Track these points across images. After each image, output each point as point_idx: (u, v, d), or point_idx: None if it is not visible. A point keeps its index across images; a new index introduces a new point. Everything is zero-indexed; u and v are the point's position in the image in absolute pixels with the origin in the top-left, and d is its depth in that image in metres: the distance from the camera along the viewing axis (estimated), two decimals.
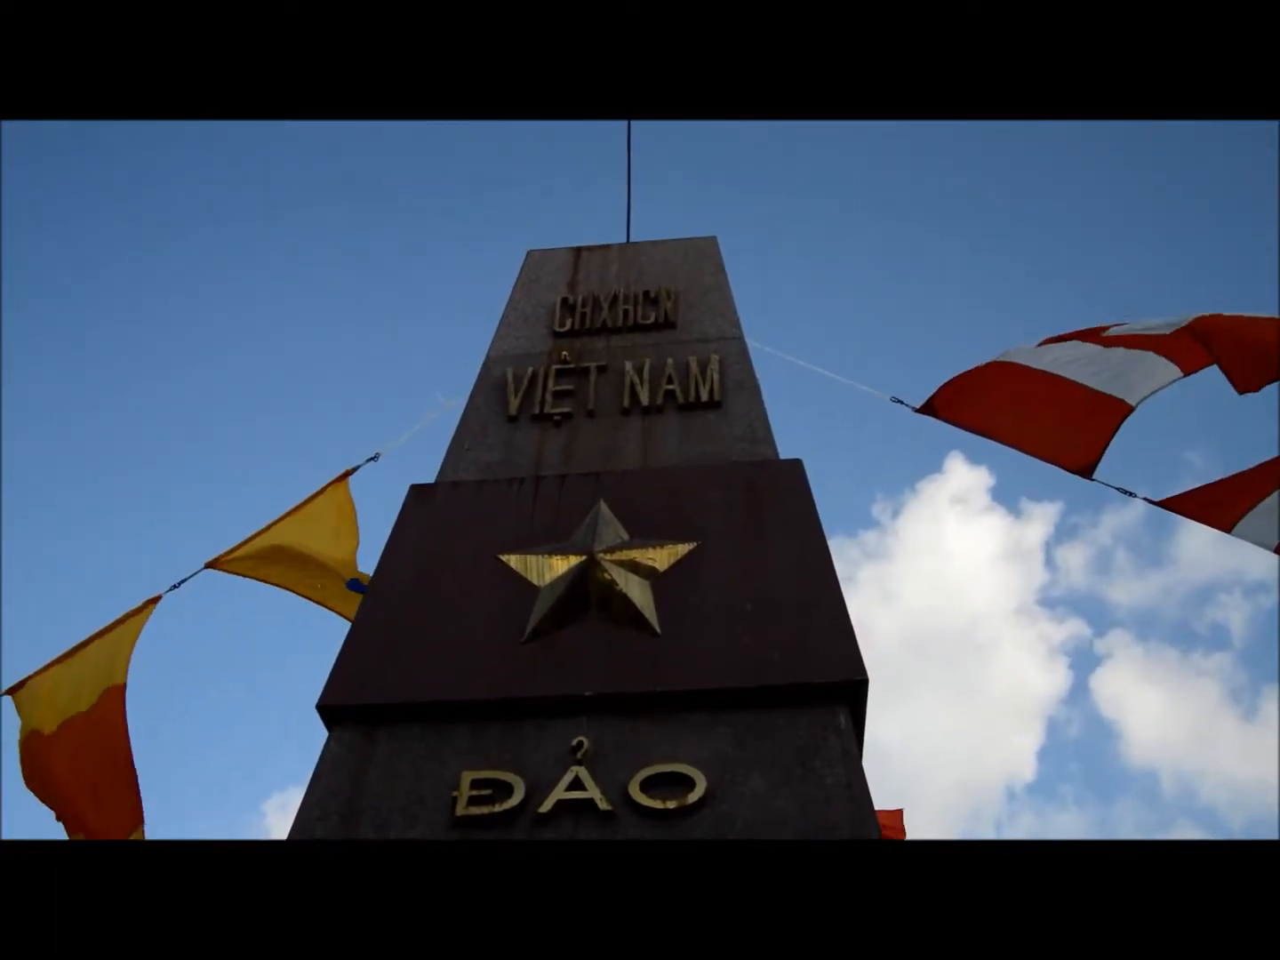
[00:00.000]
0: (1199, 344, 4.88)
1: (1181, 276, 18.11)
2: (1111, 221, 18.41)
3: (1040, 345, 5.53)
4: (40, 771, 4.97)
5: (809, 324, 18.10)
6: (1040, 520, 21.55)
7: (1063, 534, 21.39)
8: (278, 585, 5.80)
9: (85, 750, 5.05)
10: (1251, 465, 4.69)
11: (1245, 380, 4.67)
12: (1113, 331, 5.33)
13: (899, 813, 6.91)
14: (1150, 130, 17.35)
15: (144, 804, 5.06)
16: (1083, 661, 21.21)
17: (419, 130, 19.11)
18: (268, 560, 5.77)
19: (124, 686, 5.29)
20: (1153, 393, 4.98)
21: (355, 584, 5.63)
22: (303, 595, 5.81)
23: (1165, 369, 5.04)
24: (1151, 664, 21.24)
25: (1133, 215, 18.70)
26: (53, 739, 5.02)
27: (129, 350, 19.20)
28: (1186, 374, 4.94)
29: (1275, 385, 4.67)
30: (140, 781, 5.11)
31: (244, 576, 5.75)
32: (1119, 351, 5.22)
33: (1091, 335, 5.39)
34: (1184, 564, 21.13)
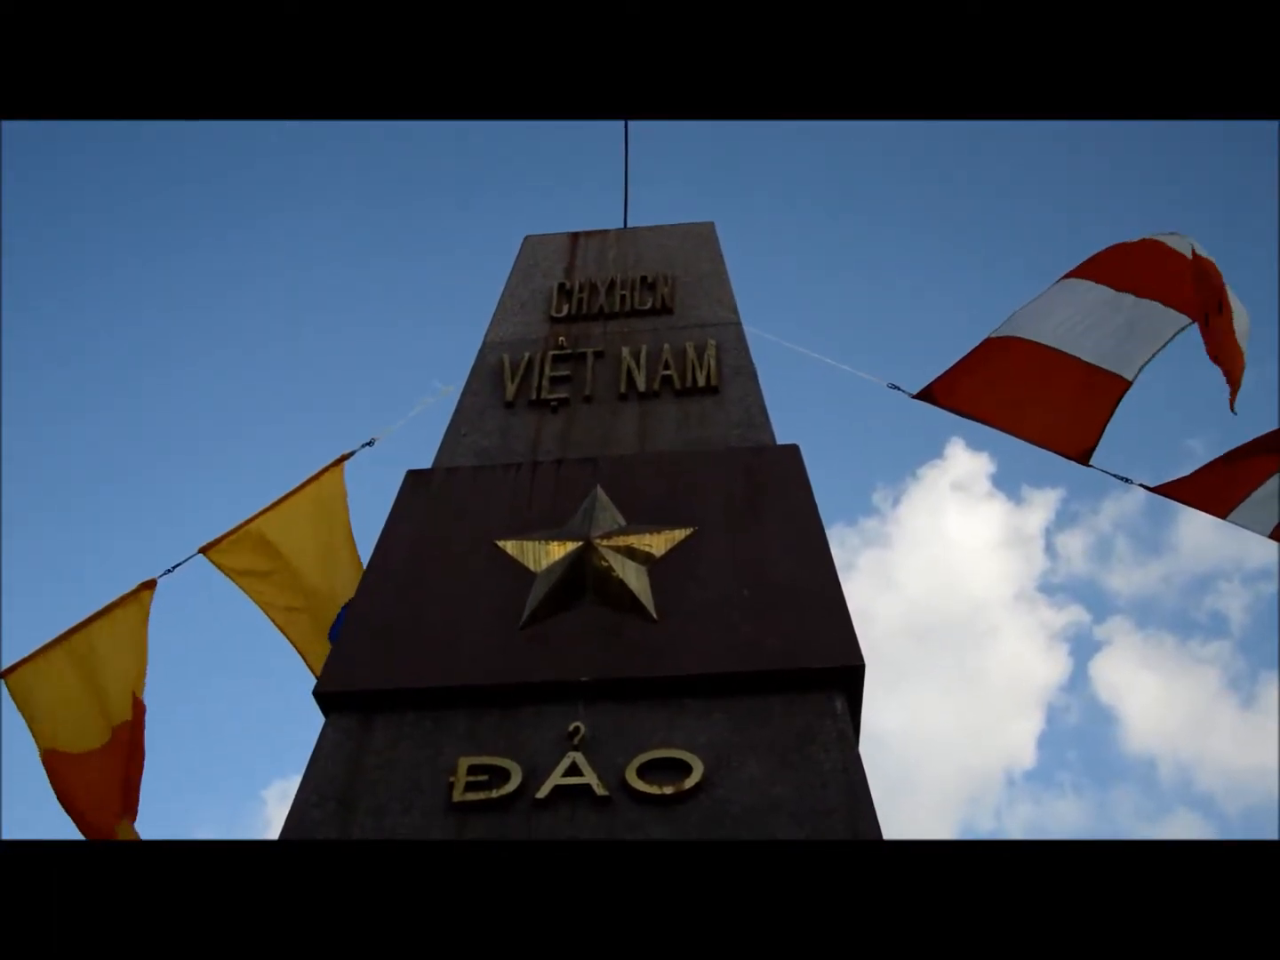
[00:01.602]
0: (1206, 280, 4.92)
1: None
2: (1110, 214, 18.34)
3: (1061, 280, 5.50)
4: (64, 784, 4.94)
5: (807, 310, 18.03)
6: (1041, 507, 21.53)
7: (1063, 521, 21.36)
8: (257, 603, 5.72)
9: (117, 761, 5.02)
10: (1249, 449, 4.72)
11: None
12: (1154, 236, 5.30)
13: None
14: (1150, 130, 17.29)
15: (145, 792, 5.06)
16: (1082, 648, 21.22)
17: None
18: (256, 559, 5.70)
19: (141, 697, 5.27)
20: (1154, 355, 5.01)
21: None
22: (274, 621, 5.70)
23: (1170, 321, 5.05)
24: (1150, 651, 21.26)
25: (1132, 210, 18.65)
26: (86, 758, 4.98)
27: (126, 338, 19.15)
28: (1194, 320, 4.98)
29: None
30: (142, 770, 5.11)
31: (230, 579, 5.69)
32: (1128, 300, 5.21)
33: (1110, 266, 5.36)
34: (1184, 551, 21.12)
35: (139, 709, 5.15)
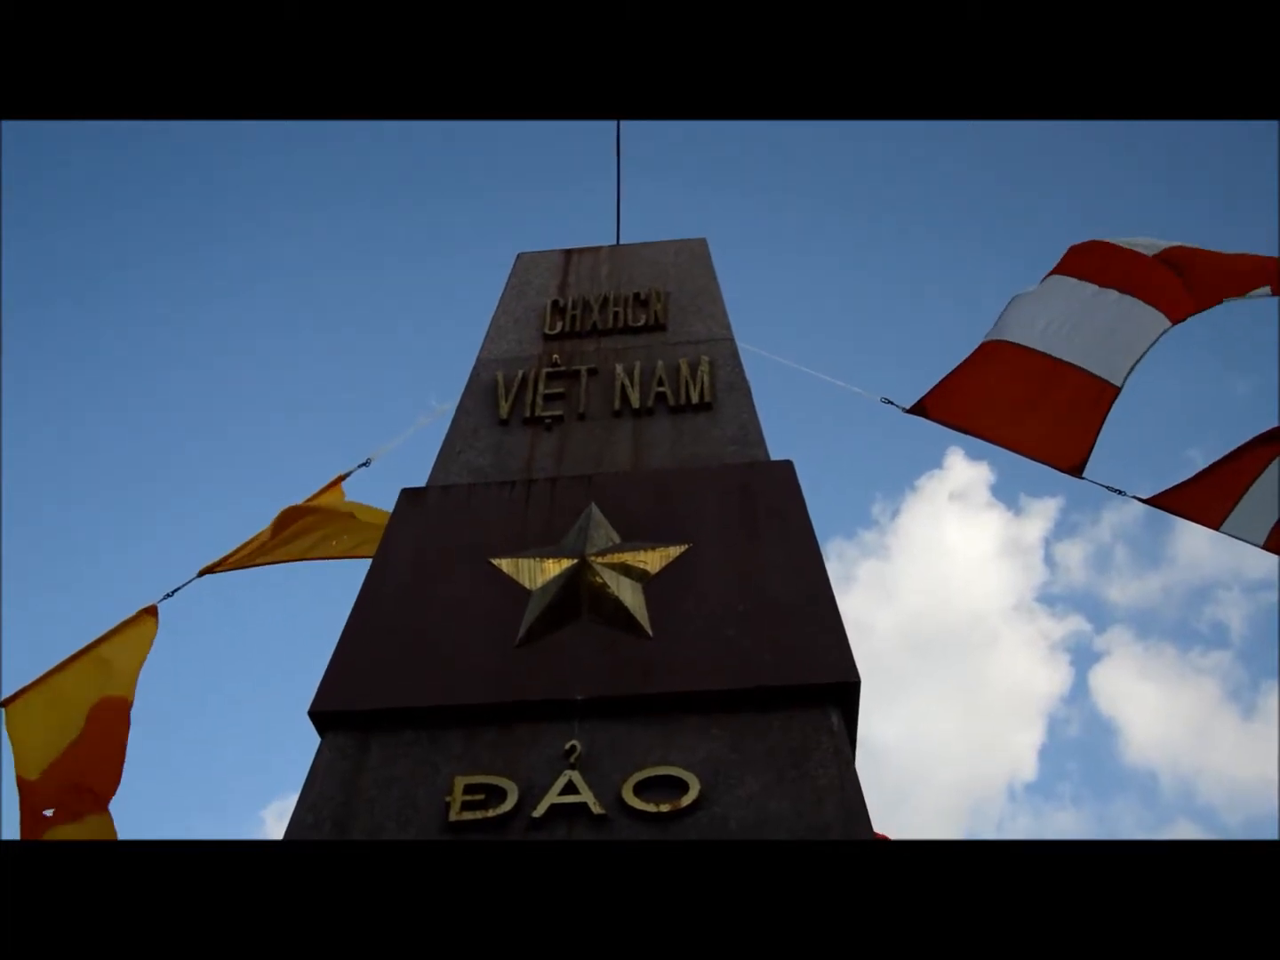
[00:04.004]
0: (1181, 283, 4.99)
1: None
2: (1108, 221, 18.46)
3: (1048, 278, 5.56)
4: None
5: (800, 326, 18.09)
6: (1040, 517, 21.52)
7: (1062, 531, 21.38)
8: (288, 560, 5.79)
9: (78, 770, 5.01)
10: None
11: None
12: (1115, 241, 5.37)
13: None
14: (1150, 130, 17.35)
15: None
16: (1082, 659, 21.21)
17: (407, 132, 19.03)
18: (271, 550, 5.77)
19: (129, 701, 5.26)
20: (1140, 358, 5.05)
21: None
22: (319, 558, 5.81)
23: (1153, 321, 5.10)
24: (1151, 662, 21.24)
25: (1131, 215, 18.74)
26: (36, 784, 4.97)
27: (121, 355, 19.16)
28: (1175, 323, 5.03)
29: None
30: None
31: (246, 567, 5.74)
32: (1110, 297, 5.25)
33: (1091, 261, 5.43)
34: (1183, 561, 21.12)
35: (103, 714, 5.16)
